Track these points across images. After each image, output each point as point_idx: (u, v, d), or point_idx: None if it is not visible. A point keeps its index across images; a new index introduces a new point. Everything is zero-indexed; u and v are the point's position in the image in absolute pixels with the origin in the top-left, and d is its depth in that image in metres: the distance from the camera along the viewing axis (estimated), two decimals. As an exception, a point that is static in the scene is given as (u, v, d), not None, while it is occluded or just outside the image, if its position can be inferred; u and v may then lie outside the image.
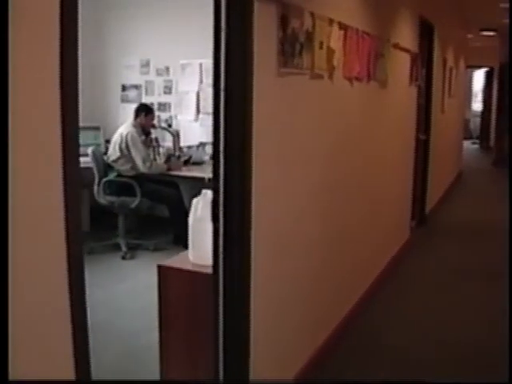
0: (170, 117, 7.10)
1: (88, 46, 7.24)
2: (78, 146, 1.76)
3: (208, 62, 6.52)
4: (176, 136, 6.91)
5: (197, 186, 6.64)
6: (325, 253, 3.93)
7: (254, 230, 2.73)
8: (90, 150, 6.09)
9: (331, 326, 4.14)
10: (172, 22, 6.76)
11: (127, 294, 5.14)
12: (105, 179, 6.02)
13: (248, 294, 2.82)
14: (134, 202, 5.99)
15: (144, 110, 6.31)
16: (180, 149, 6.94)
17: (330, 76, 3.75)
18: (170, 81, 7.04)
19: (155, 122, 6.80)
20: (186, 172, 6.37)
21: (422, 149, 7.64)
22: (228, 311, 2.80)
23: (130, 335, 4.35)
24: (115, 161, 6.14)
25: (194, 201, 3.04)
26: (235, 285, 2.77)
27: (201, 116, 6.86)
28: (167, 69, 7.04)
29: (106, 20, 7.26)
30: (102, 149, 6.73)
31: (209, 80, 6.66)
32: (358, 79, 4.39)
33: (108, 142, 6.77)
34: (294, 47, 3.05)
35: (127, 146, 6.06)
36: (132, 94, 7.28)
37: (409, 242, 6.71)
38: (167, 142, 6.99)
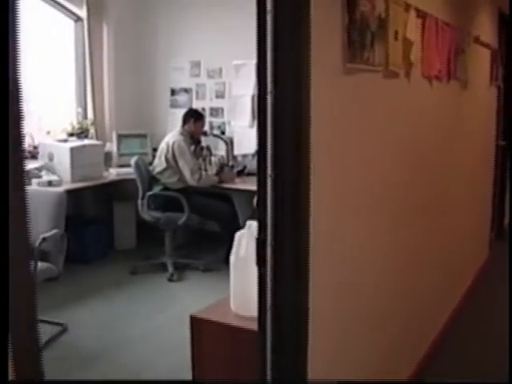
0: (223, 123, 6.50)
1: (134, 48, 6.78)
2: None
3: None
4: (229, 144, 6.31)
5: (252, 199, 6.08)
6: (394, 288, 3.23)
7: (313, 273, 2.07)
8: (133, 161, 5.53)
9: (405, 374, 3.44)
10: (224, 19, 6.16)
11: (171, 324, 4.55)
12: (149, 193, 5.44)
13: (304, 352, 2.16)
14: (182, 219, 5.40)
15: (193, 116, 5.72)
16: (234, 158, 6.33)
17: (407, 74, 3.06)
18: (223, 83, 6.44)
19: (206, 128, 6.21)
20: (239, 184, 5.74)
21: (502, 156, 6.83)
22: (279, 373, 2.16)
23: (171, 374, 3.78)
24: (161, 172, 5.57)
25: (237, 235, 2.41)
26: (287, 343, 2.12)
27: (256, 122, 6.20)
28: (219, 70, 6.44)
29: (153, 19, 6.71)
30: (150, 158, 6.18)
31: (264, 82, 6.02)
32: (437, 78, 3.68)
33: (155, 150, 6.23)
34: (363, 37, 2.39)
35: (174, 157, 5.48)
36: (182, 98, 6.71)
37: (489, 260, 5.91)
38: (219, 150, 6.38)
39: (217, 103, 6.51)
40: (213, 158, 6.21)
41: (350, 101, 2.38)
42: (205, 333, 2.38)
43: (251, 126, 6.20)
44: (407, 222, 3.28)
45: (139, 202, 5.52)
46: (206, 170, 5.92)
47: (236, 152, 6.34)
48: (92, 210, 6.22)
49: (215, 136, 6.31)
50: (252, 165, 6.13)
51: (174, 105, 6.75)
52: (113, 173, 6.03)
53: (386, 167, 2.86)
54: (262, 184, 2.01)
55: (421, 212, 3.57)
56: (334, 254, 2.32)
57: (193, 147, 5.78)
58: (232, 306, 2.43)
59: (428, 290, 3.91)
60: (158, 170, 5.58)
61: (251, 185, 5.61)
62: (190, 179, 5.45)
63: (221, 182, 5.66)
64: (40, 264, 4.06)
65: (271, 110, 2.01)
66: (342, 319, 2.46)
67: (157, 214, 5.49)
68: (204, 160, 6.01)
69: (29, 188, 4.58)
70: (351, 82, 2.37)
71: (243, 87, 6.20)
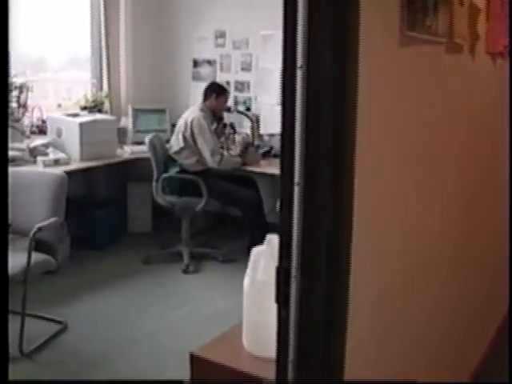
0: (249, 98, 5.94)
1: (154, 15, 6.22)
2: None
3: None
4: (255, 122, 5.76)
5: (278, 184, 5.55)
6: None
7: (352, 319, 1.53)
8: (147, 139, 5.01)
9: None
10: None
11: (183, 325, 4.06)
12: (164, 175, 4.92)
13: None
14: (200, 204, 4.88)
15: (215, 91, 5.17)
16: (260, 137, 5.79)
17: (472, 49, 2.47)
18: (250, 55, 5.87)
19: (231, 104, 5.66)
20: (265, 167, 5.20)
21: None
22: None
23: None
24: (178, 152, 5.04)
25: (254, 252, 1.89)
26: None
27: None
28: (246, 41, 5.86)
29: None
30: (168, 135, 5.66)
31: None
32: (501, 55, 3.08)
33: (175, 127, 5.71)
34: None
35: (192, 135, 4.95)
36: (205, 70, 6.16)
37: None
38: (244, 128, 5.84)
39: (242, 76, 5.95)
40: (236, 137, 5.67)
41: (406, 81, 1.81)
42: (208, 377, 1.85)
43: (279, 103, 5.62)
44: (469, 237, 2.71)
45: (153, 184, 5.01)
46: (228, 149, 5.39)
47: (262, 131, 5.80)
48: (103, 191, 5.73)
49: (240, 112, 5.76)
50: (279, 145, 5.58)
51: (196, 77, 6.20)
52: (127, 151, 5.52)
53: (449, 170, 2.28)
54: (286, 193, 1.47)
55: (484, 219, 2.99)
56: (377, 291, 1.77)
57: (214, 125, 5.25)
58: (244, 341, 1.91)
59: (479, 300, 3.35)
60: (174, 149, 5.06)
61: (277, 168, 5.09)
62: (210, 160, 4.92)
63: (244, 164, 5.12)
64: (35, 255, 3.58)
65: (301, 91, 1.46)
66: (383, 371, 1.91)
67: (172, 199, 4.98)
68: (227, 139, 5.48)
69: (24, 169, 4.09)
70: (409, 55, 1.80)
71: (272, 60, 5.63)
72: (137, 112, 5.82)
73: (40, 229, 3.48)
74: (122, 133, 5.70)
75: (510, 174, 2.83)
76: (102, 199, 5.62)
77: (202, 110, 5.07)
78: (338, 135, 1.48)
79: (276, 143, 5.63)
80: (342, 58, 1.47)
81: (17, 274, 3.40)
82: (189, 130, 4.95)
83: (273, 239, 1.80)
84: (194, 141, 4.95)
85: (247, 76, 5.91)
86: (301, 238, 1.44)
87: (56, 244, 3.76)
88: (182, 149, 5.00)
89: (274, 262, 1.57)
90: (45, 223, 3.55)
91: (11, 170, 4.15)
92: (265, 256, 1.83)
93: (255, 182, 5.38)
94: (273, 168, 5.13)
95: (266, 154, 5.48)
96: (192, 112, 5.08)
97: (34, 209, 3.73)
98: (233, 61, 5.97)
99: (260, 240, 4.68)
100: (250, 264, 1.91)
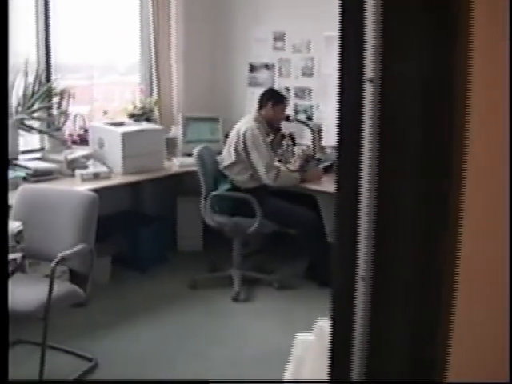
0: (310, 107, 5.39)
1: (207, 15, 5.74)
2: None
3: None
4: (317, 133, 5.20)
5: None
6: None
7: None
8: (195, 151, 4.52)
9: None
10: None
11: (226, 369, 3.54)
12: (213, 193, 4.41)
13: None
14: (253, 226, 4.35)
15: (272, 98, 4.65)
16: (321, 150, 5.22)
17: None
18: (311, 59, 5.32)
19: (290, 112, 5.12)
20: (327, 185, 4.62)
21: None
22: None
23: None
24: (229, 167, 4.54)
25: (299, 342, 1.34)
26: None
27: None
28: (307, 43, 5.32)
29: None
30: (221, 146, 5.17)
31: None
32: None
33: (227, 136, 5.23)
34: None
35: (245, 148, 4.44)
36: (262, 75, 5.64)
37: None
38: (304, 139, 5.29)
39: (303, 82, 5.40)
40: (296, 149, 5.14)
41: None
42: None
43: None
44: None
45: (202, 202, 4.51)
46: (286, 163, 4.87)
47: (324, 143, 5.23)
48: (150, 207, 5.29)
49: (300, 122, 5.21)
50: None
51: (252, 83, 5.69)
52: (176, 163, 5.05)
53: None
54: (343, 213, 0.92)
55: None
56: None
57: (270, 137, 4.73)
58: None
59: None
60: (225, 163, 4.56)
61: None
62: (265, 177, 4.40)
63: (303, 180, 4.56)
64: (60, 286, 3.12)
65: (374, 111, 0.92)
66: None
67: (222, 219, 4.47)
68: (285, 151, 4.95)
69: (50, 187, 3.65)
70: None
71: (335, 64, 5.05)
72: (188, 120, 5.35)
73: (63, 259, 3.01)
74: (171, 143, 5.24)
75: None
76: (147, 216, 5.18)
77: (256, 119, 4.55)
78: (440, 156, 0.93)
79: (339, 156, 5.06)
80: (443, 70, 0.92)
81: (35, 310, 2.94)
82: (241, 142, 4.44)
83: (324, 328, 1.24)
84: (247, 154, 4.44)
85: (308, 82, 5.37)
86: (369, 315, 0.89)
87: (84, 273, 3.30)
88: (233, 163, 4.50)
89: (324, 360, 1.02)
90: (69, 252, 3.10)
91: (36, 186, 3.75)
92: (313, 350, 1.28)
93: (315, 201, 4.82)
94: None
95: (328, 169, 4.91)
96: (245, 122, 4.56)
97: (61, 232, 3.28)
98: (293, 65, 5.43)
99: (320, 263, 4.15)
100: (294, 357, 1.36)
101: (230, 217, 4.44)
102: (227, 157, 4.55)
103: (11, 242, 2.69)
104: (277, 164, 4.62)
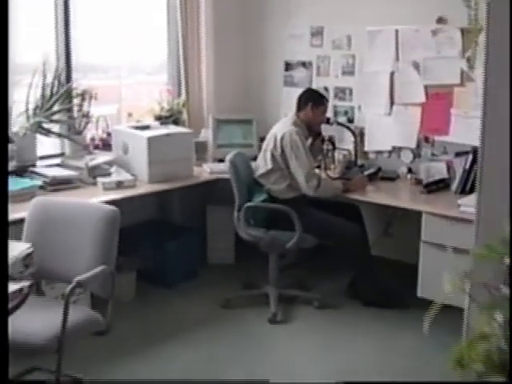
0: (351, 108, 4.95)
1: (239, 9, 5.35)
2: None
3: (408, 29, 4.33)
4: (359, 136, 4.78)
5: (387, 215, 4.53)
6: None
7: None
8: (228, 157, 4.11)
9: None
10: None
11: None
12: (248, 204, 4.00)
13: None
14: (291, 241, 3.94)
15: (311, 99, 4.24)
16: (364, 155, 4.81)
17: None
18: (352, 56, 4.88)
19: (330, 114, 4.70)
20: (372, 194, 4.21)
21: None
22: None
23: None
24: (265, 175, 4.14)
25: None
26: None
27: (396, 108, 4.65)
28: (348, 39, 4.88)
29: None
30: (255, 151, 4.78)
31: (410, 56, 4.46)
32: None
33: (263, 140, 4.84)
34: None
35: (283, 154, 4.04)
36: (299, 74, 5.22)
37: None
38: (345, 143, 4.88)
39: (344, 82, 4.97)
40: (336, 154, 4.73)
41: None
42: None
43: (388, 114, 4.66)
44: None
45: (235, 214, 4.11)
46: (327, 169, 4.45)
47: (367, 147, 4.83)
48: (178, 218, 4.91)
49: (340, 125, 4.80)
50: (388, 165, 4.61)
51: (288, 82, 5.28)
52: (207, 169, 4.65)
53: None
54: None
55: None
56: None
57: (309, 141, 4.31)
58: None
59: None
60: (261, 171, 4.15)
61: (387, 196, 4.11)
62: (305, 186, 3.99)
63: (346, 190, 4.14)
64: (76, 313, 2.74)
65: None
66: None
67: (257, 233, 4.06)
68: (325, 156, 4.53)
69: (66, 201, 3.25)
70: None
71: (379, 61, 4.68)
72: (219, 123, 4.95)
73: (79, 284, 2.63)
74: (201, 148, 4.85)
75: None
76: (175, 227, 4.80)
77: (294, 123, 4.14)
78: None
79: (383, 162, 4.66)
80: None
81: (47, 343, 2.56)
82: (279, 148, 4.03)
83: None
84: (285, 162, 4.03)
85: (349, 81, 4.93)
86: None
87: (104, 298, 2.91)
88: (269, 171, 4.09)
89: None
90: (87, 275, 2.70)
91: (50, 198, 3.35)
92: None
93: (359, 211, 4.41)
94: (381, 195, 4.17)
95: (372, 177, 4.49)
96: (283, 125, 4.16)
97: (78, 251, 2.90)
98: (332, 63, 5.00)
99: (364, 279, 3.74)
100: None
101: (266, 230, 4.03)
102: (263, 164, 4.14)
103: (19, 268, 2.31)
104: (317, 172, 4.19)
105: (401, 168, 4.62)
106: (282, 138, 4.02)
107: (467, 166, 4.02)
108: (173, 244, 4.52)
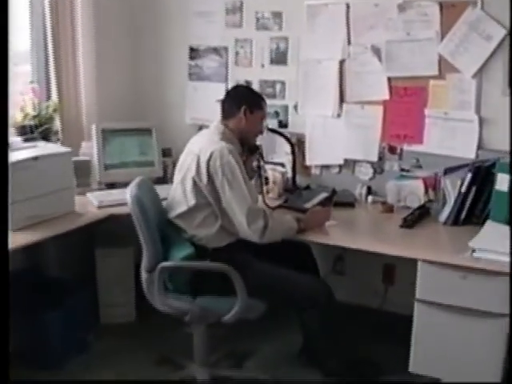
0: (285, 108, 3.75)
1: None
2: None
3: (364, 3, 3.18)
4: (297, 146, 3.60)
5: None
6: None
7: None
8: (129, 193, 2.76)
9: None
10: None
11: None
12: (163, 265, 2.66)
13: None
14: (231, 312, 2.67)
15: (245, 102, 2.97)
16: (306, 171, 3.64)
17: None
18: (285, 39, 3.67)
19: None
20: (336, 234, 2.98)
21: None
22: None
23: None
24: (185, 216, 2.84)
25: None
26: None
27: (347, 108, 3.49)
28: (278, 17, 3.66)
29: None
30: (158, 172, 3.49)
31: (367, 38, 3.30)
32: None
33: (166, 156, 3.60)
34: None
35: (211, 184, 2.75)
36: (210, 64, 3.94)
37: None
38: (278, 155, 3.69)
39: (273, 73, 3.75)
40: (270, 172, 3.52)
41: None
42: None
43: (337, 115, 3.50)
44: None
45: (143, 276, 2.79)
46: (268, 192, 3.28)
47: (309, 161, 3.64)
48: (56, 270, 3.55)
49: (271, 131, 3.57)
50: (339, 184, 3.49)
51: (195, 75, 4.00)
52: (93, 201, 3.29)
53: None
54: None
55: None
56: None
57: (243, 158, 3.05)
58: None
59: None
60: (179, 210, 2.84)
61: (354, 234, 2.96)
62: (247, 230, 2.73)
63: (302, 230, 2.90)
64: None
65: None
66: None
67: (180, 304, 2.74)
68: (261, 177, 3.29)
69: None
70: None
71: (323, 46, 3.52)
72: (105, 135, 3.59)
73: None
74: (82, 169, 3.47)
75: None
76: (54, 285, 3.41)
77: (223, 136, 2.87)
78: None
79: (334, 181, 3.52)
80: None
81: None
82: (204, 174, 2.74)
83: None
84: (215, 194, 2.76)
85: (281, 72, 3.71)
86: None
87: None
88: (192, 209, 2.80)
89: None
90: None
91: None
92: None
93: (311, 252, 3.23)
94: (348, 234, 3.02)
95: (324, 203, 3.31)
96: (207, 141, 2.87)
97: None
98: (256, 48, 3.75)
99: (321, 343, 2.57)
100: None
101: (192, 298, 2.73)
102: (181, 198, 2.84)
103: None
104: (263, 207, 2.95)
105: (357, 188, 3.48)
106: (208, 160, 2.74)
107: (463, 189, 2.93)
108: (52, 310, 3.16)
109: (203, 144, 2.83)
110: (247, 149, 3.05)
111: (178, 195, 2.84)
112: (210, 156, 2.73)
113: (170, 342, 3.34)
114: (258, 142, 3.17)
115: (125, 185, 2.96)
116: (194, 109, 3.94)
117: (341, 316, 2.89)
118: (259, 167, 3.18)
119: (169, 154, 3.78)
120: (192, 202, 2.78)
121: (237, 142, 2.91)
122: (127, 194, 2.73)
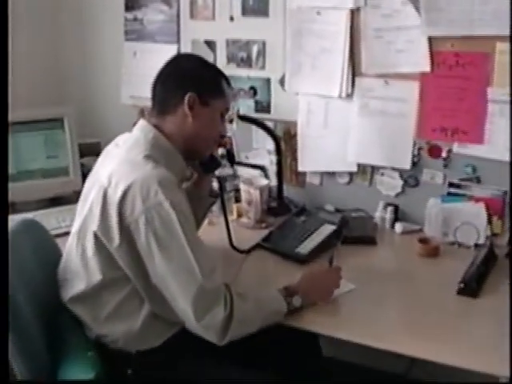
0: (264, 82, 2.50)
1: None
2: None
3: None
4: (283, 141, 2.39)
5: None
6: None
7: None
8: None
9: None
10: None
11: None
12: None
13: None
14: None
15: (194, 85, 1.69)
16: (297, 179, 2.42)
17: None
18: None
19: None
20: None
21: None
22: None
23: None
24: (85, 299, 1.59)
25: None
26: None
27: (362, 84, 2.25)
28: None
29: None
30: (77, 184, 2.31)
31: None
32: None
33: (91, 153, 2.46)
34: None
35: (128, 243, 1.49)
36: (154, 17, 2.69)
37: None
38: (256, 156, 2.47)
39: (245, 29, 2.48)
40: (241, 185, 2.30)
41: None
42: None
43: (346, 95, 2.24)
44: None
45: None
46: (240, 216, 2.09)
47: (301, 166, 2.40)
48: None
49: (244, 120, 2.34)
50: (348, 202, 2.26)
51: (133, 33, 2.75)
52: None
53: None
54: None
55: None
56: None
57: (193, 180, 1.79)
58: None
59: None
60: (76, 289, 1.59)
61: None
62: (195, 326, 1.50)
63: (295, 310, 1.67)
64: None
65: None
66: None
67: None
68: (222, 205, 2.04)
69: None
70: None
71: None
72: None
73: None
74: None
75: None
76: None
77: (152, 148, 1.62)
78: None
79: (340, 196, 2.31)
80: None
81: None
82: (115, 227, 1.50)
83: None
84: (137, 261, 1.50)
85: (259, 28, 2.44)
86: None
87: None
88: (96, 289, 1.56)
89: None
90: None
91: None
92: None
93: (318, 343, 2.02)
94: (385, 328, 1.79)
95: (330, 243, 2.09)
96: (122, 159, 1.59)
97: None
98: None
99: None
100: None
101: None
102: (78, 268, 1.59)
103: None
104: (221, 284, 1.66)
105: (378, 207, 2.27)
106: (120, 202, 1.48)
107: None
108: None
109: (115, 166, 1.57)
110: (200, 165, 1.81)
111: (75, 261, 1.60)
112: (124, 194, 1.48)
113: None
114: (219, 150, 1.91)
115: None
116: (133, 83, 2.71)
117: None
118: (221, 190, 1.94)
119: (95, 152, 2.53)
120: (96, 276, 1.53)
121: (178, 157, 1.66)
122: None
